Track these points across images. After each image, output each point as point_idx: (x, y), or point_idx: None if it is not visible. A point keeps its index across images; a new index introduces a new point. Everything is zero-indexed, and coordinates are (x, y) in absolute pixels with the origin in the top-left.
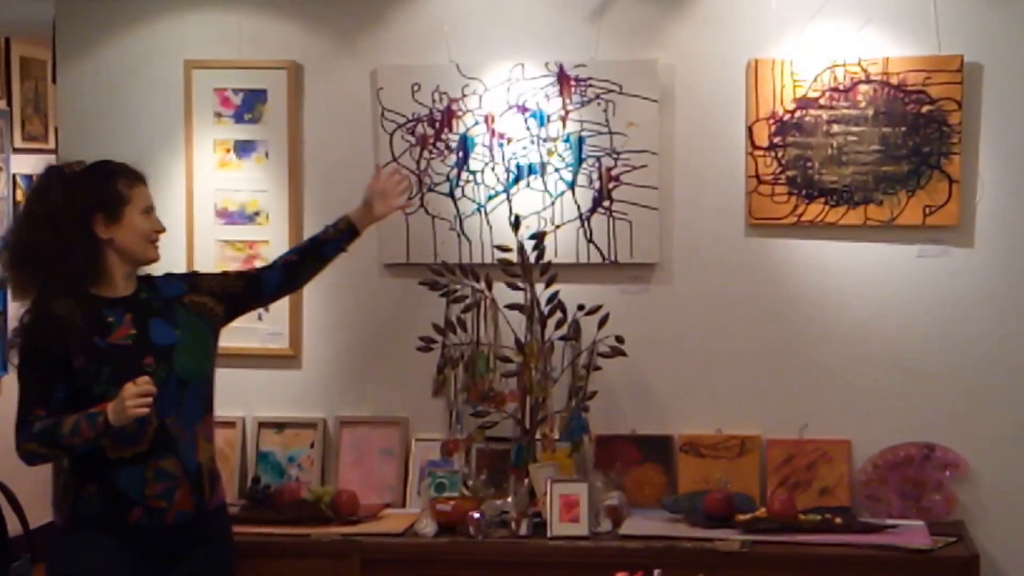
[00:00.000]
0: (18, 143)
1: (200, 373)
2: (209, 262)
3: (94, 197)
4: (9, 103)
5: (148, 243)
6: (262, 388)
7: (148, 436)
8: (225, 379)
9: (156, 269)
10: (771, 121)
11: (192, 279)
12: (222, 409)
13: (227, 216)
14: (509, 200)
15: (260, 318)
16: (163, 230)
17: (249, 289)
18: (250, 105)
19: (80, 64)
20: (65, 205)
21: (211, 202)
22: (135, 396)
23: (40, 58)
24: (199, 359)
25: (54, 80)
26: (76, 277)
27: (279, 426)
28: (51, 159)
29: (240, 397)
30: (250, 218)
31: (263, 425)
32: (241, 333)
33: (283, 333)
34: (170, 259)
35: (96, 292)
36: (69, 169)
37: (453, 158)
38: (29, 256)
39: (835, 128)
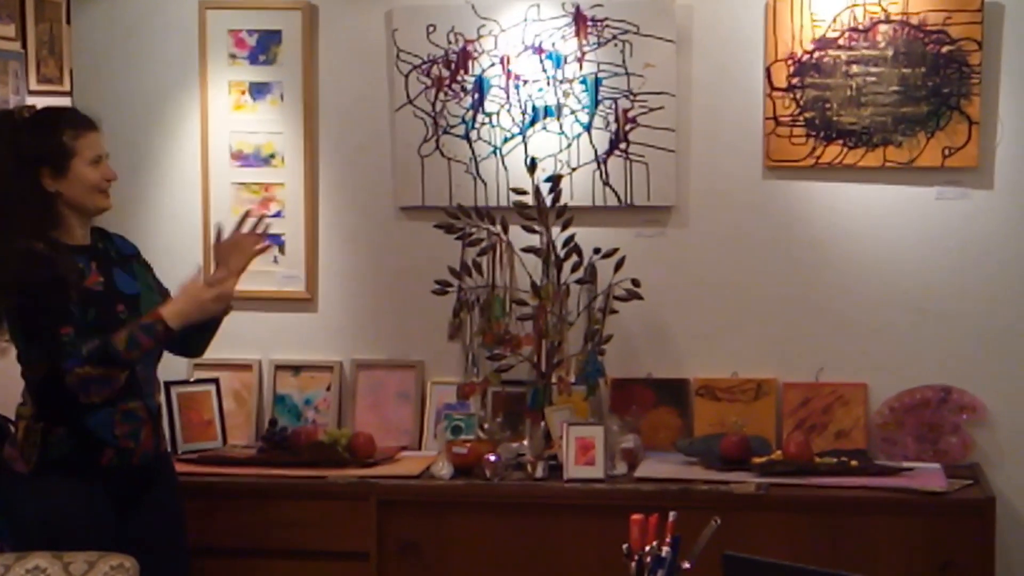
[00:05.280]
0: (33, 86)
1: None
2: (225, 204)
3: (39, 150)
4: (24, 45)
5: (98, 193)
6: (278, 331)
7: (121, 381)
8: (241, 322)
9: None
10: (789, 62)
11: (139, 253)
12: (239, 351)
13: (242, 159)
14: (525, 142)
15: (276, 261)
16: (113, 177)
17: None
18: (265, 47)
19: (95, 5)
20: (11, 157)
21: (226, 144)
22: (215, 293)
23: (55, 0)
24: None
25: (69, 22)
26: (34, 223)
27: (295, 369)
28: (66, 102)
29: (256, 340)
30: (265, 160)
31: (279, 368)
32: (257, 276)
33: (299, 276)
34: (186, 201)
35: (58, 238)
36: (19, 115)
37: (469, 100)
38: None
39: (854, 69)
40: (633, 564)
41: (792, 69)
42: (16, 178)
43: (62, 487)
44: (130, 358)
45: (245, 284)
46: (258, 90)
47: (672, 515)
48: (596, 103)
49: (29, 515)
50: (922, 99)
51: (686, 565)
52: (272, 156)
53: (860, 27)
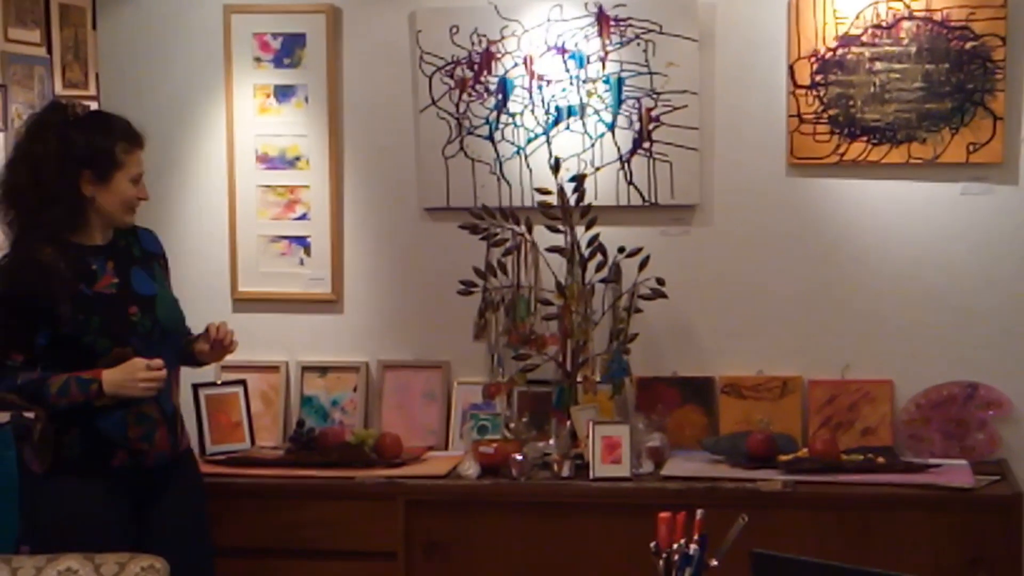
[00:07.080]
0: (59, 90)
1: (178, 323)
2: (251, 207)
3: (87, 152)
4: (49, 50)
5: (128, 209)
6: (305, 332)
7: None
8: (268, 324)
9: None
10: (813, 59)
11: (164, 255)
12: (266, 353)
13: (268, 161)
14: (549, 142)
15: (302, 263)
16: (146, 198)
17: None
18: (289, 50)
19: (120, 10)
20: (56, 152)
21: (252, 147)
22: (149, 379)
23: (80, 5)
24: (174, 310)
25: (94, 27)
26: (58, 225)
27: (322, 370)
28: (93, 106)
29: (283, 341)
30: (291, 163)
31: (306, 369)
32: (283, 278)
33: (325, 278)
34: (212, 204)
35: (77, 240)
36: (72, 111)
37: (492, 101)
38: (14, 196)
39: (877, 65)
40: (661, 562)
41: (815, 66)
42: (54, 176)
43: (76, 488)
44: (56, 404)
45: (271, 286)
46: (283, 93)
47: (699, 513)
48: (619, 102)
49: (45, 516)
50: (946, 95)
51: (714, 563)
52: (297, 158)
53: (883, 24)
